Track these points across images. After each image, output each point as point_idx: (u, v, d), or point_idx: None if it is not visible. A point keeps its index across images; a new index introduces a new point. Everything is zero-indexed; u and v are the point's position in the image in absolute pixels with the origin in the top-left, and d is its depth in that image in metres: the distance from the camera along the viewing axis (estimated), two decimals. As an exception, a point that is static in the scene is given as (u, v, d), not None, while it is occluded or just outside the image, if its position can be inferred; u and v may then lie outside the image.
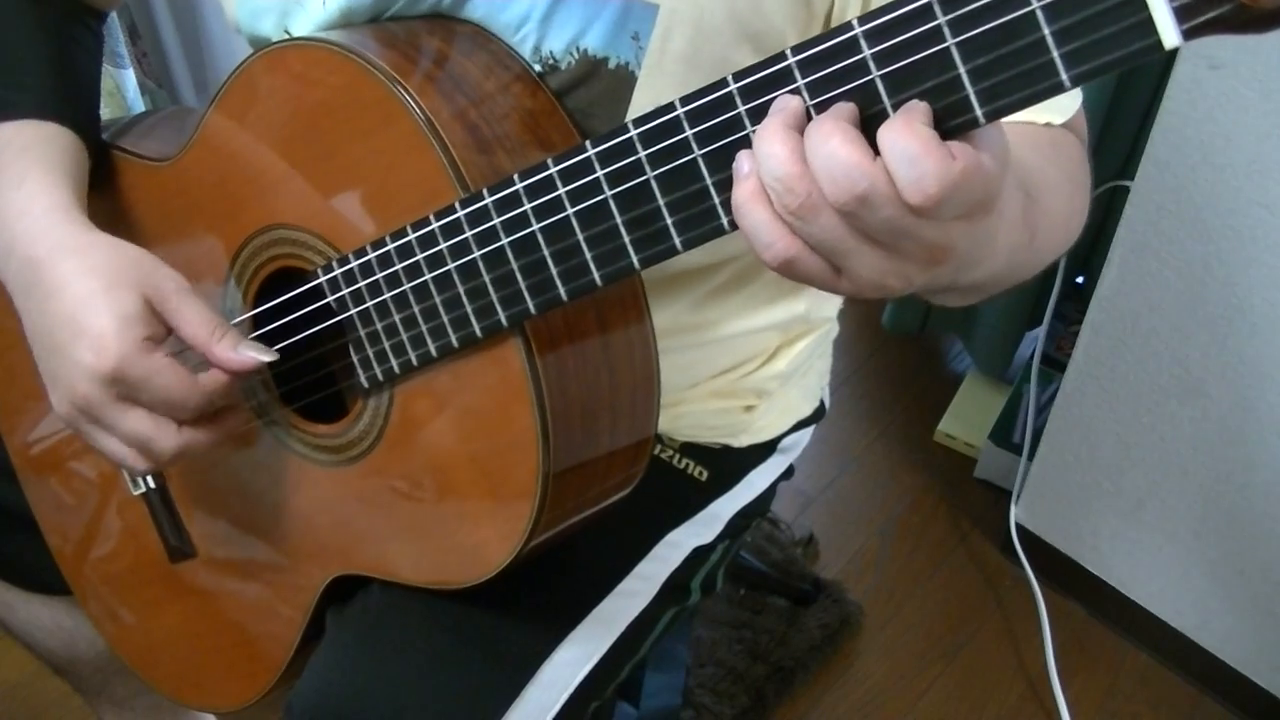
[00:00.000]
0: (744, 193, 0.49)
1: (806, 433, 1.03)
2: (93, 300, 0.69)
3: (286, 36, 0.76)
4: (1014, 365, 1.91)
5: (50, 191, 0.74)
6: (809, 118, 0.49)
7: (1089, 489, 1.57)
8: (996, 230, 0.53)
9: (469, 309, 0.65)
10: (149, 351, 0.69)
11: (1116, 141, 1.65)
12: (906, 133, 0.45)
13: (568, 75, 0.69)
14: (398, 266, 0.67)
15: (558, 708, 0.82)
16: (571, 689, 0.82)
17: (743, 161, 0.50)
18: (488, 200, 0.61)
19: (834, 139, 0.46)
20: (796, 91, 0.49)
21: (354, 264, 0.69)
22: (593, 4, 0.67)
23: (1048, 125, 0.69)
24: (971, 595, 1.69)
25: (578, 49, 0.68)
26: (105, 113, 0.90)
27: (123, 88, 1.75)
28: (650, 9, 0.66)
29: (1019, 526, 1.68)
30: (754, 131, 0.50)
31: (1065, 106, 0.71)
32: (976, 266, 0.54)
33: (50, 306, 0.71)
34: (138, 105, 1.80)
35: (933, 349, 2.09)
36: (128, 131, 0.88)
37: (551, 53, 0.69)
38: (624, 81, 0.68)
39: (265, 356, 0.72)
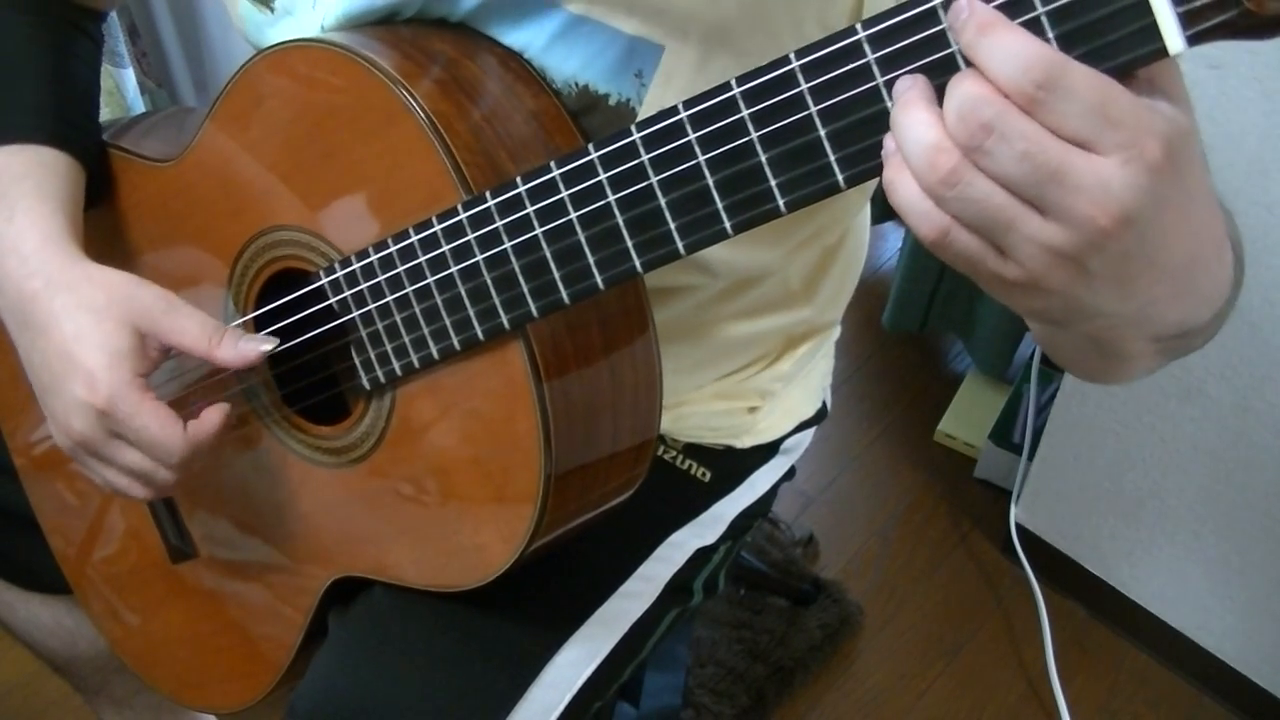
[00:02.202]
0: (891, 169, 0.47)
1: (809, 434, 1.03)
2: (84, 336, 0.70)
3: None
4: (1014, 365, 1.91)
5: (42, 224, 0.74)
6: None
7: (1089, 489, 1.57)
8: (1206, 223, 0.48)
9: (471, 311, 0.65)
10: (138, 388, 0.70)
11: (1117, 141, 1.65)
12: (1006, 35, 0.42)
13: (566, 106, 0.69)
14: (400, 268, 0.67)
15: (561, 708, 0.82)
16: (575, 690, 0.82)
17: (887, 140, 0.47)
18: (490, 203, 0.61)
19: (964, 81, 0.44)
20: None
21: (356, 265, 0.69)
22: (597, 40, 0.66)
23: None
24: (971, 595, 1.69)
25: (578, 83, 0.68)
26: (105, 113, 0.89)
27: (122, 88, 1.75)
28: (655, 49, 0.65)
29: (1019, 526, 1.68)
30: (758, 137, 0.50)
31: None
32: (1175, 267, 0.47)
33: (44, 343, 0.72)
34: (137, 105, 1.80)
35: (933, 349, 2.09)
36: (128, 131, 0.88)
37: (551, 83, 0.69)
38: (624, 117, 0.68)
39: (266, 345, 0.73)
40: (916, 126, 0.45)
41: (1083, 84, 0.42)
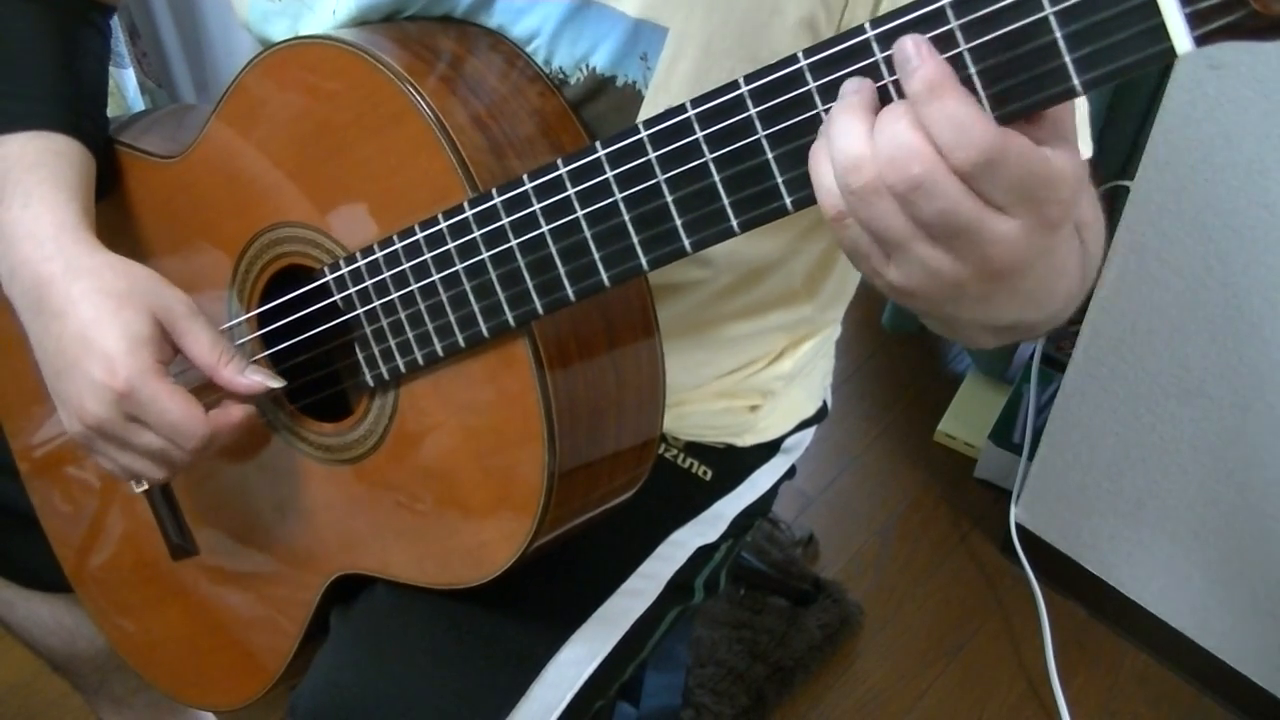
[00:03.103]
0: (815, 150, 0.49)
1: (809, 433, 1.03)
2: (104, 321, 0.70)
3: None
4: (1014, 365, 1.91)
5: (58, 210, 0.74)
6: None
7: (1089, 489, 1.57)
8: (1065, 260, 0.53)
9: (476, 309, 0.65)
10: (159, 374, 0.70)
11: (1116, 141, 1.65)
12: (954, 104, 0.44)
13: (575, 91, 0.70)
14: (405, 265, 0.67)
15: (563, 707, 0.82)
16: (576, 688, 0.83)
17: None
18: (496, 200, 0.61)
19: (902, 121, 0.46)
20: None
21: (361, 262, 0.69)
22: (603, 24, 0.67)
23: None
24: (971, 595, 1.69)
25: (586, 66, 0.68)
26: (106, 112, 0.90)
27: (123, 88, 1.75)
28: (660, 31, 0.66)
29: (1019, 526, 1.69)
30: (765, 136, 0.50)
31: (1088, 144, 0.68)
32: (1031, 292, 0.52)
33: (60, 327, 0.71)
34: (137, 105, 1.80)
35: (933, 349, 2.09)
36: (129, 128, 0.88)
37: (561, 68, 0.69)
38: (630, 100, 0.68)
39: (272, 383, 0.74)
40: (846, 135, 0.47)
41: (1016, 164, 0.44)
